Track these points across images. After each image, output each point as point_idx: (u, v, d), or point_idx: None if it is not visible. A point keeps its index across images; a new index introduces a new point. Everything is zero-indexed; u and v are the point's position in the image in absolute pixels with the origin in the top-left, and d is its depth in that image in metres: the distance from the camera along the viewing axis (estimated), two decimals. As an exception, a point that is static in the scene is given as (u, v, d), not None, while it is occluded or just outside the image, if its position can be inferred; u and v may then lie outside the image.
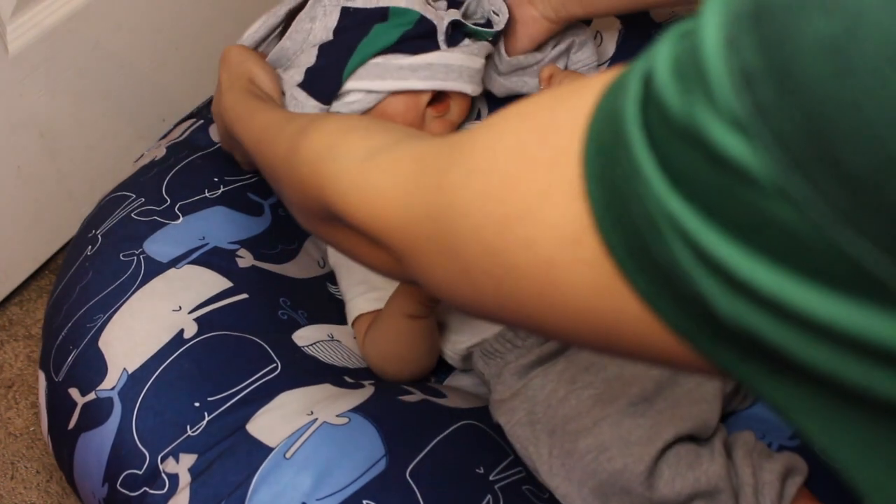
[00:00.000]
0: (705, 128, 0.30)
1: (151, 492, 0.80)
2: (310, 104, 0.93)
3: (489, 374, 0.91)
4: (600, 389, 0.82)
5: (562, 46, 1.03)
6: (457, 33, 0.95)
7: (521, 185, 0.39)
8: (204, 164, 1.02)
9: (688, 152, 0.31)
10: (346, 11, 0.94)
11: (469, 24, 0.96)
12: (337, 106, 0.94)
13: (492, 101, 1.07)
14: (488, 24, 0.98)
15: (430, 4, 0.97)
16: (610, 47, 1.09)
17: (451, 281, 0.45)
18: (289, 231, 0.99)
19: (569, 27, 1.03)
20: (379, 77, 0.93)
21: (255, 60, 0.94)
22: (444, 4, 0.99)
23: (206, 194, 0.99)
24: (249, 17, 1.05)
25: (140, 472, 0.81)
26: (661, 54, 0.33)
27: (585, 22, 1.06)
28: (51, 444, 0.90)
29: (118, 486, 0.81)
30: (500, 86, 1.04)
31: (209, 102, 1.16)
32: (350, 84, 0.93)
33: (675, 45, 0.33)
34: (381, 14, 0.94)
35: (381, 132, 0.56)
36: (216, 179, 1.01)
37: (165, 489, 0.79)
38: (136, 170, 1.04)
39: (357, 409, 0.83)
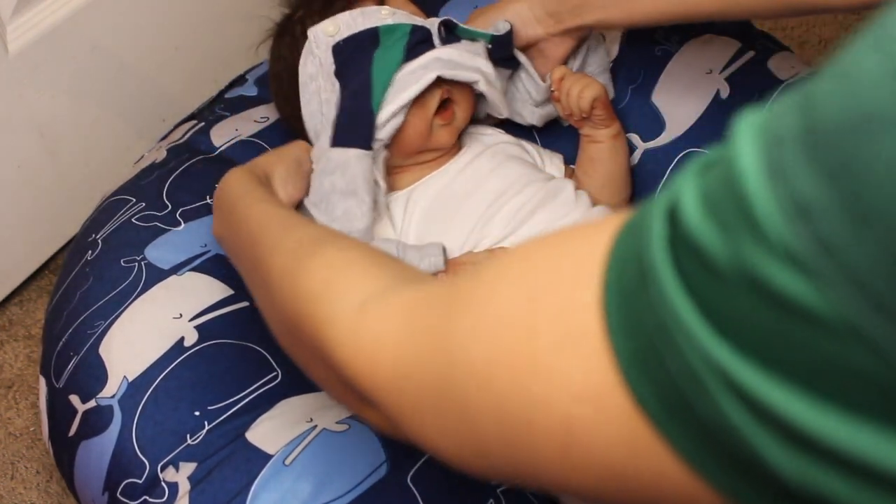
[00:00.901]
0: (755, 267, 0.27)
1: (151, 500, 0.80)
2: (351, 154, 0.89)
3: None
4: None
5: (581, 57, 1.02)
6: (450, 37, 0.94)
7: (530, 338, 0.36)
8: (205, 169, 1.02)
9: (735, 295, 0.28)
10: (337, 49, 0.92)
11: (460, 24, 0.95)
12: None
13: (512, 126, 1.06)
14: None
15: (416, 16, 0.96)
16: (613, 49, 1.08)
17: (456, 443, 0.42)
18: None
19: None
20: (400, 91, 0.90)
21: (284, 160, 0.90)
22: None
23: (208, 200, 0.98)
24: (250, 17, 1.04)
25: (140, 481, 0.81)
26: (686, 190, 0.30)
27: None
28: (52, 449, 0.90)
29: (118, 494, 0.81)
30: (540, 116, 1.03)
31: (210, 103, 1.16)
32: (382, 114, 0.90)
33: (700, 178, 0.30)
34: (372, 36, 0.92)
35: (381, 269, 0.53)
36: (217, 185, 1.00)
37: (165, 497, 0.79)
38: (135, 172, 1.04)
39: (357, 416, 0.83)
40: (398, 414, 0.45)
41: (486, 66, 0.93)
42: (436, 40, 0.93)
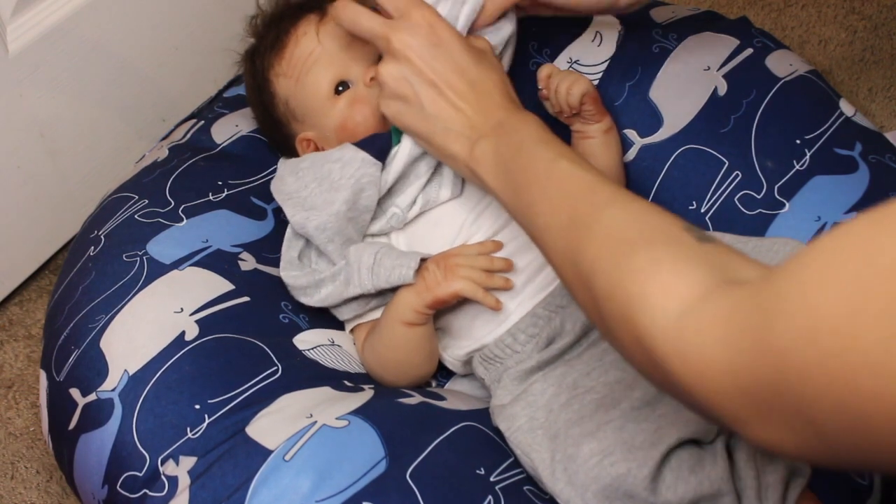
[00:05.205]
0: None
1: (151, 494, 0.80)
2: (359, 156, 0.90)
3: (489, 379, 0.91)
4: (602, 394, 0.82)
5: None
6: None
7: (856, 338, 0.38)
8: (207, 167, 1.02)
9: None
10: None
11: None
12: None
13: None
14: None
15: None
16: (609, 47, 1.08)
17: (799, 439, 0.44)
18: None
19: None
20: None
21: None
22: None
23: (210, 197, 0.99)
24: (250, 18, 1.05)
25: (140, 474, 0.81)
26: None
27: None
28: (51, 443, 0.90)
29: (118, 487, 0.81)
30: None
31: (210, 103, 1.16)
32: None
33: None
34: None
35: (689, 269, 0.54)
36: (220, 183, 1.01)
37: (165, 491, 0.79)
38: (137, 171, 1.04)
39: (357, 412, 0.83)
40: (735, 417, 0.48)
41: None
42: None
